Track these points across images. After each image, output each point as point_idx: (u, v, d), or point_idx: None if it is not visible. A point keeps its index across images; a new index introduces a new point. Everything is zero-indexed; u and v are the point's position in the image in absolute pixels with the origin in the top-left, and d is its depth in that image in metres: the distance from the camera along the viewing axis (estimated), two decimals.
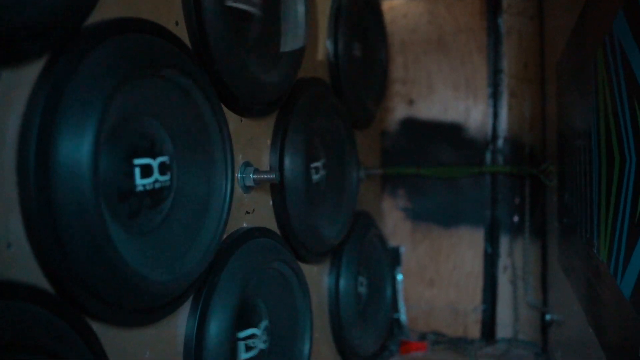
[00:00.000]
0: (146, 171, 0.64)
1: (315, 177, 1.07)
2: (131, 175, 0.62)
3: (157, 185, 0.66)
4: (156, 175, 0.65)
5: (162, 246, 0.67)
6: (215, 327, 0.76)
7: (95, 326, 0.59)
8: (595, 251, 0.81)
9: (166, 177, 0.67)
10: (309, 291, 0.99)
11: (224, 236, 0.83)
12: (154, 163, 0.65)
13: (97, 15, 0.60)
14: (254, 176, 0.88)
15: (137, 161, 0.63)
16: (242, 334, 0.83)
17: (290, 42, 0.97)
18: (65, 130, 0.52)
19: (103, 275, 0.56)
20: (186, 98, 0.70)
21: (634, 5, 0.60)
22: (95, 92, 0.53)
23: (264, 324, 0.89)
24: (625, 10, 0.64)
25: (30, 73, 0.53)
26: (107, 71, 0.55)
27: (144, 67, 0.62)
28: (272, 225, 0.98)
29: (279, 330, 0.93)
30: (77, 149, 0.52)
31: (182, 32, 0.74)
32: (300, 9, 0.98)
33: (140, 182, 0.63)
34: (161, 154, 0.67)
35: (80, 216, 0.52)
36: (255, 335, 0.86)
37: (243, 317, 0.84)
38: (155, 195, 0.66)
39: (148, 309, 0.65)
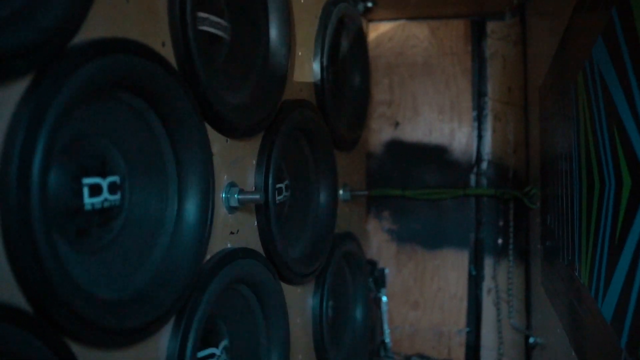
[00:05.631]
0: (95, 190, 0.65)
1: (278, 197, 1.06)
2: (79, 194, 0.63)
3: (107, 204, 0.67)
4: (105, 194, 0.66)
5: (111, 265, 0.68)
6: (191, 348, 0.75)
7: (75, 348, 0.59)
8: (576, 274, 0.81)
9: (116, 197, 0.68)
10: (279, 313, 0.98)
11: (207, 256, 0.83)
12: (104, 182, 0.66)
13: (84, 34, 0.60)
14: (239, 196, 0.88)
15: (86, 180, 0.64)
16: (202, 353, 0.83)
17: (265, 65, 0.97)
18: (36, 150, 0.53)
19: (56, 292, 0.55)
20: (140, 120, 0.72)
21: (612, 32, 0.62)
22: (45, 116, 0.54)
23: (223, 343, 0.88)
24: (604, 37, 0.65)
25: (15, 91, 0.53)
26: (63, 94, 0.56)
27: (108, 89, 0.62)
28: (257, 245, 0.98)
29: (240, 352, 0.93)
30: (29, 168, 0.53)
31: (168, 53, 0.74)
32: (274, 33, 0.99)
33: (88, 200, 0.64)
34: (112, 174, 0.68)
35: (27, 231, 0.53)
36: (215, 355, 0.85)
37: (204, 337, 0.84)
38: (104, 214, 0.67)
39: (125, 330, 0.65)
